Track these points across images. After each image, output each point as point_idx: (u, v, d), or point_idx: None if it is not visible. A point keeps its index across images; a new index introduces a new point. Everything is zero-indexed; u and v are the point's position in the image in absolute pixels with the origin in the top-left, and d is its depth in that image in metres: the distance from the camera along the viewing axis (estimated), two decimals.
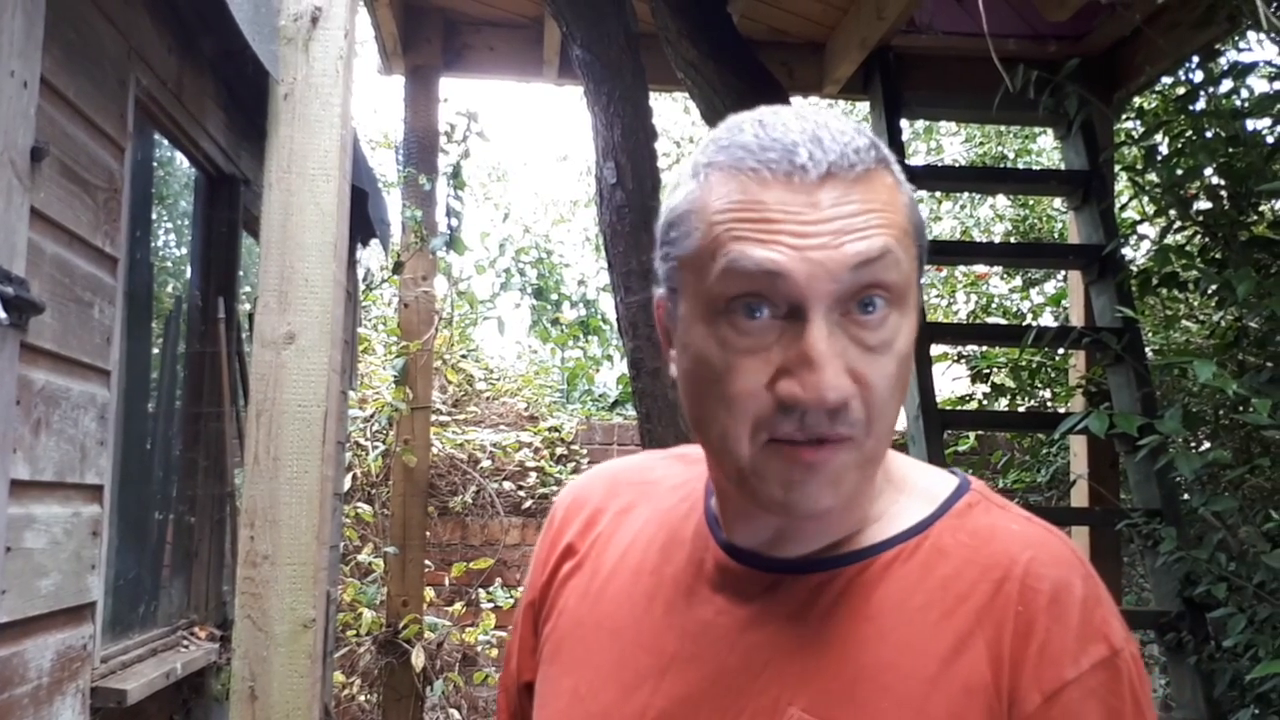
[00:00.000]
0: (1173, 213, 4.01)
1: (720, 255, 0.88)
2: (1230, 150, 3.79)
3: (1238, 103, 4.03)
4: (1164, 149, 4.07)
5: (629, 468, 1.19)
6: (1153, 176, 4.11)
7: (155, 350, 3.64)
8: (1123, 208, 5.13)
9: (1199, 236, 4.05)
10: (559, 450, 7.37)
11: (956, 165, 9.15)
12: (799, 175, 0.88)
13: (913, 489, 1.02)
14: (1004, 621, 0.92)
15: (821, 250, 0.86)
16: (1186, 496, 4.19)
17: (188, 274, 3.92)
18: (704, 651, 0.98)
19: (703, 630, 0.99)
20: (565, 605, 1.09)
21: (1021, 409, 6.51)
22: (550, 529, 1.17)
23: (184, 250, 3.93)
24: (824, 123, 0.91)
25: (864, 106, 5.45)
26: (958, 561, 0.95)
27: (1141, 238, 4.76)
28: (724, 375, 0.89)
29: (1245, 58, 4.10)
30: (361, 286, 5.76)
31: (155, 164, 3.56)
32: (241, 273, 4.15)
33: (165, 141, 3.58)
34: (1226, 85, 4.08)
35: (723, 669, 0.97)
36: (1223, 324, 4.45)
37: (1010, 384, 6.37)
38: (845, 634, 0.94)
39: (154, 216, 3.58)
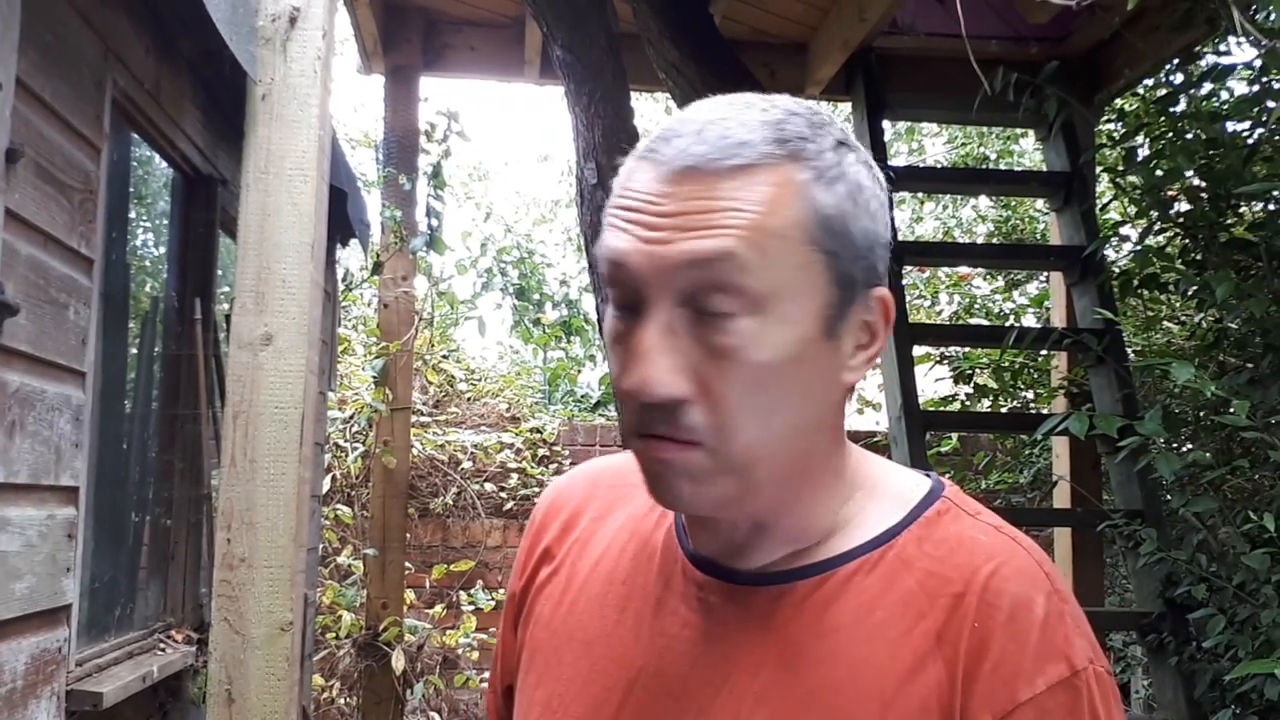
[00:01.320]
0: (1153, 214, 4.02)
1: (602, 243, 0.90)
2: (1210, 152, 3.80)
3: (1217, 105, 4.04)
4: (1144, 151, 4.08)
5: (609, 469, 1.15)
6: (1133, 178, 4.12)
7: (131, 352, 3.62)
8: (1104, 209, 5.15)
9: (1179, 238, 4.06)
10: (541, 451, 7.36)
11: (938, 166, 9.16)
12: (664, 165, 0.87)
13: (884, 493, 0.98)
14: (959, 639, 0.89)
15: (660, 244, 0.85)
16: (1167, 498, 4.20)
17: (164, 275, 3.90)
18: (668, 665, 0.96)
19: (668, 643, 0.97)
20: (541, 612, 1.08)
21: (1004, 410, 6.52)
22: (530, 531, 1.15)
23: (161, 251, 3.90)
24: (733, 115, 0.89)
25: (846, 107, 5.45)
26: (920, 574, 0.92)
27: (1123, 239, 4.77)
28: (612, 362, 0.91)
29: (1225, 60, 4.10)
30: (341, 287, 5.73)
31: (132, 165, 3.53)
32: (219, 273, 4.12)
33: (142, 142, 3.56)
34: (1206, 88, 4.09)
35: (685, 683, 0.95)
36: (1203, 325, 4.46)
37: (993, 385, 6.38)
38: (802, 650, 0.92)
39: (131, 217, 3.55)
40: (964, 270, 8.06)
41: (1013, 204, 8.42)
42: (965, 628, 0.89)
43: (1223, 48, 4.20)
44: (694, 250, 0.84)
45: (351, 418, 6.91)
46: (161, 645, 3.61)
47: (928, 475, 1.02)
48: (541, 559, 1.11)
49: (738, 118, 0.88)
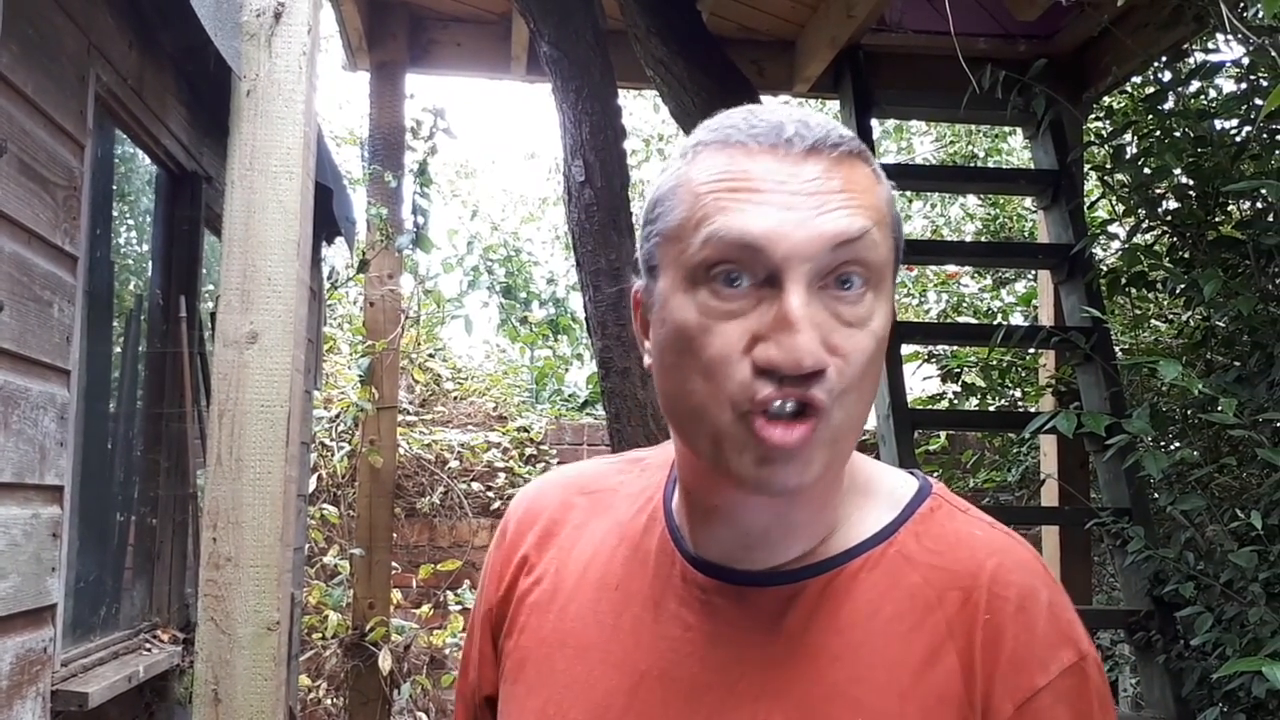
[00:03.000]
0: (1141, 212, 4.02)
1: (704, 224, 0.88)
2: (1198, 150, 3.80)
3: (1205, 103, 4.04)
4: (1132, 149, 4.08)
5: (582, 475, 1.16)
6: (1121, 176, 4.12)
7: (116, 350, 3.59)
8: (1092, 207, 5.15)
9: (1167, 236, 4.07)
10: (528, 451, 7.34)
11: (927, 164, 9.16)
12: (785, 147, 0.89)
13: (875, 492, 1.01)
14: (973, 631, 0.93)
15: (804, 221, 0.87)
16: (1155, 496, 4.20)
17: (149, 273, 3.87)
18: (675, 668, 0.97)
19: (672, 646, 0.98)
20: (526, 622, 1.07)
21: (992, 408, 6.52)
22: (503, 541, 1.14)
23: (145, 248, 3.88)
24: (809, 113, 0.93)
25: (834, 105, 5.45)
26: (924, 569, 0.96)
27: (1111, 237, 4.78)
28: (702, 341, 0.88)
29: (1213, 58, 4.10)
30: (326, 285, 5.71)
31: (116, 161, 3.51)
32: (204, 271, 4.10)
33: (126, 138, 3.53)
34: (1194, 85, 4.09)
35: (695, 685, 0.96)
36: (1190, 324, 4.47)
37: (980, 383, 6.38)
38: (818, 648, 0.94)
39: (115, 214, 3.53)
40: (952, 268, 8.07)
41: (1001, 202, 8.44)
42: (977, 620, 0.93)
43: (1211, 45, 4.21)
44: (843, 228, 0.87)
45: (337, 417, 6.88)
46: (147, 645, 3.59)
47: (911, 473, 1.06)
48: (520, 568, 1.10)
49: (820, 116, 0.93)
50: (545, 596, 1.07)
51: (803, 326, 0.85)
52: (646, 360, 0.98)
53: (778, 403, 0.86)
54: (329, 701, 6.43)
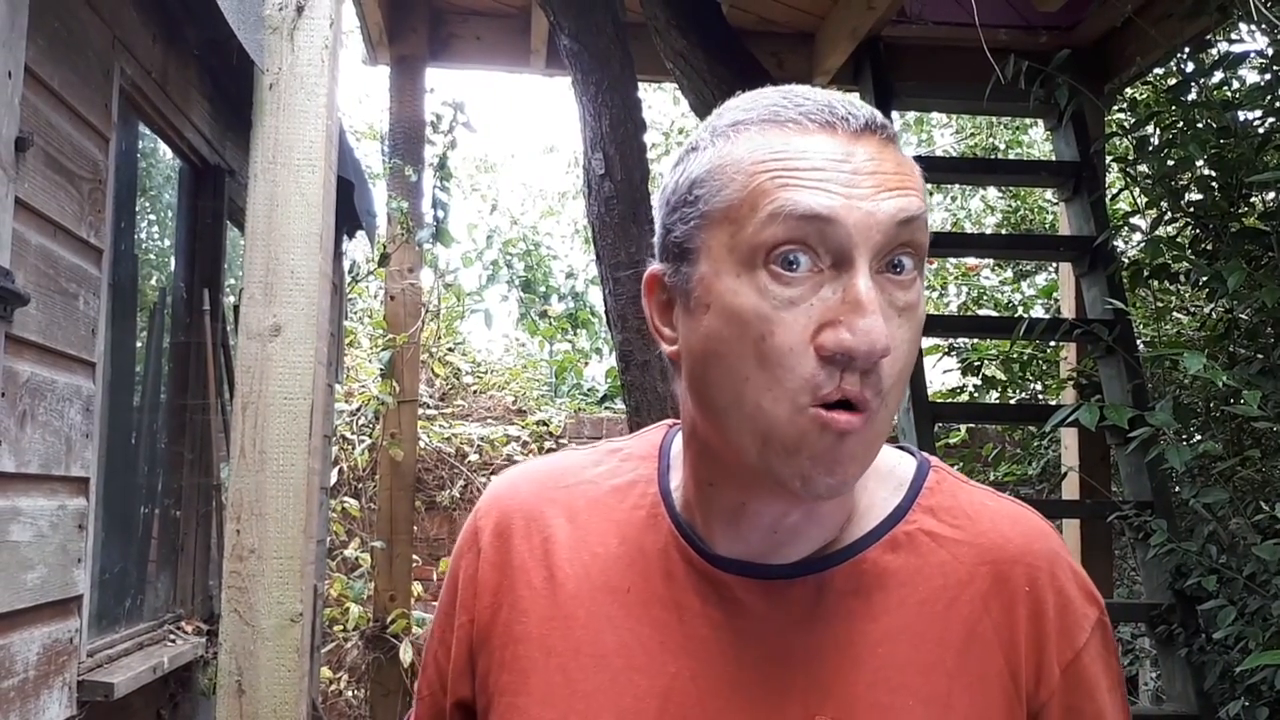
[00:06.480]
0: (1164, 204, 4.00)
1: (765, 203, 0.85)
2: (1221, 141, 3.78)
3: (1229, 94, 4.02)
4: (1155, 140, 4.05)
5: (555, 469, 1.09)
6: (1144, 167, 4.09)
7: (140, 343, 3.62)
8: (1114, 199, 5.12)
9: (1190, 228, 4.04)
10: (547, 444, 7.35)
11: (947, 156, 9.13)
12: (840, 125, 0.87)
13: (877, 470, 0.98)
14: (1013, 604, 0.94)
15: (869, 200, 0.84)
16: (1177, 489, 4.19)
17: (172, 266, 3.90)
18: (709, 668, 0.95)
19: (702, 646, 0.95)
20: (523, 631, 1.01)
21: (1012, 401, 6.50)
22: (477, 545, 1.07)
23: (169, 242, 3.90)
24: (843, 94, 0.91)
25: (854, 98, 5.43)
26: (950, 545, 0.97)
27: (1133, 229, 4.75)
28: (763, 329, 0.84)
29: (1237, 48, 4.08)
30: (347, 279, 5.73)
31: (140, 155, 3.53)
32: (226, 264, 4.12)
33: (150, 132, 3.55)
34: (1217, 76, 4.07)
35: (735, 684, 0.94)
36: (1214, 316, 4.44)
37: (1001, 376, 6.36)
38: (856, 636, 0.94)
39: (139, 208, 3.55)
40: (972, 261, 8.04)
41: (1022, 194, 8.39)
42: (1018, 594, 0.95)
43: (1235, 36, 4.18)
44: (904, 207, 0.85)
45: (358, 410, 6.91)
46: (172, 636, 3.61)
47: (902, 448, 1.04)
48: (504, 573, 1.04)
49: (850, 97, 0.90)
50: (540, 603, 1.01)
51: (875, 307, 0.83)
52: (668, 348, 0.95)
53: (836, 400, 0.84)
54: (350, 693, 6.46)
